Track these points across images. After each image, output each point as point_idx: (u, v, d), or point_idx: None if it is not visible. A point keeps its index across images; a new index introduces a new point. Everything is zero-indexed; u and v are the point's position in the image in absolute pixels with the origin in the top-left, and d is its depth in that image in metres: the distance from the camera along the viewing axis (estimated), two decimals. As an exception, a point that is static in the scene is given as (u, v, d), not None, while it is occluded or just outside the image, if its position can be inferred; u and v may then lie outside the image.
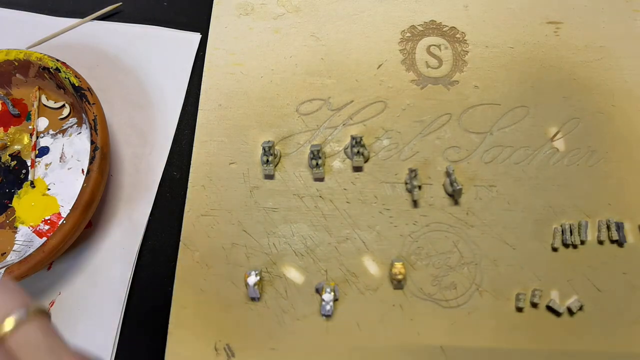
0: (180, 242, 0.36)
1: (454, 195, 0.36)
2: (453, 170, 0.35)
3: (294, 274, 0.35)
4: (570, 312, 0.34)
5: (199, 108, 0.39)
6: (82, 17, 0.47)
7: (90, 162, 0.36)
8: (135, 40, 0.46)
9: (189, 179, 0.37)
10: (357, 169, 0.37)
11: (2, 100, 0.43)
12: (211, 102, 0.39)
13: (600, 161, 0.37)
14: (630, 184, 0.36)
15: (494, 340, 0.33)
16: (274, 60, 0.40)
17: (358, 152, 0.36)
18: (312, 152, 0.36)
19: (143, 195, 0.41)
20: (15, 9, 0.48)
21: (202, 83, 0.39)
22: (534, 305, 0.34)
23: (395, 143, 0.38)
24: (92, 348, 0.36)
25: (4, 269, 0.34)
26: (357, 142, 0.36)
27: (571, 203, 0.36)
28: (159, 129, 0.43)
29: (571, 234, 0.35)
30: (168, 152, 0.42)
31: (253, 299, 0.35)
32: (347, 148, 0.38)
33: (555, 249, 0.35)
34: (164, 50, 0.46)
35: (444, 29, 0.40)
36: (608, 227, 0.35)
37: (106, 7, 0.47)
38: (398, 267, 0.34)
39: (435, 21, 0.40)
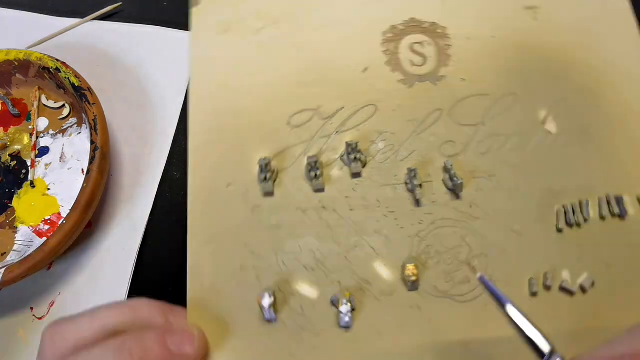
0: (188, 272, 0.35)
1: (456, 190, 0.36)
2: (452, 165, 0.35)
3: (307, 290, 0.35)
4: (583, 290, 0.34)
5: (188, 132, 0.38)
6: (82, 17, 0.48)
7: (90, 162, 0.37)
8: (136, 40, 0.47)
9: (188, 206, 0.37)
10: (356, 175, 0.37)
11: (2, 100, 0.43)
12: (201, 125, 0.38)
13: (592, 138, 0.37)
14: (623, 157, 0.37)
15: (512, 328, 0.33)
16: (259, 75, 0.39)
17: (355, 158, 0.36)
18: (309, 164, 0.36)
19: (143, 195, 0.41)
20: (15, 9, 0.48)
21: (188, 107, 0.39)
22: (547, 288, 0.34)
23: (390, 145, 0.38)
24: None
25: (4, 269, 0.34)
26: (353, 148, 0.36)
27: (570, 183, 0.36)
28: (159, 129, 0.43)
29: (574, 214, 0.36)
30: (168, 152, 0.43)
31: (269, 321, 0.34)
32: (343, 155, 0.37)
33: (560, 230, 0.36)
34: (164, 50, 0.46)
35: (424, 26, 0.40)
36: (608, 202, 0.36)
37: (106, 7, 0.48)
38: (410, 268, 0.34)
39: (415, 19, 0.40)
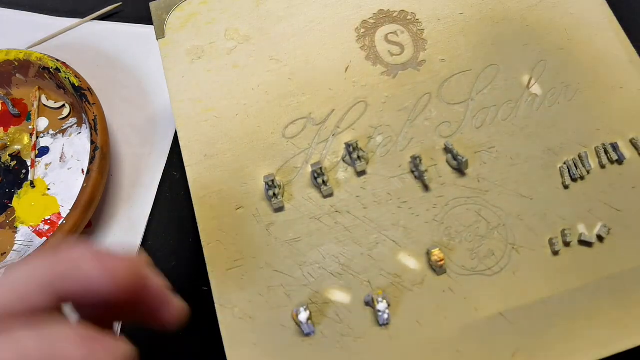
0: (215, 304, 0.35)
1: (461, 168, 0.36)
2: (452, 145, 0.36)
3: (339, 296, 0.34)
4: (600, 239, 0.35)
5: (185, 165, 0.37)
6: (82, 17, 0.48)
7: (90, 162, 0.37)
8: (136, 40, 0.47)
9: (201, 238, 0.36)
10: (362, 173, 0.37)
11: (2, 100, 0.43)
12: (196, 156, 0.38)
13: (576, 93, 0.38)
14: (608, 105, 0.38)
15: (544, 290, 0.34)
16: (242, 95, 0.39)
17: (358, 157, 0.36)
18: (314, 172, 0.36)
19: (143, 195, 0.41)
20: (15, 9, 0.49)
21: (179, 139, 0.38)
22: (567, 244, 0.35)
23: (388, 137, 0.38)
24: None
25: (4, 269, 0.34)
26: (353, 148, 0.36)
27: (565, 140, 0.37)
28: (159, 128, 0.44)
29: (576, 168, 0.37)
30: (168, 152, 0.43)
31: (309, 335, 0.34)
32: (345, 157, 0.37)
33: (566, 187, 0.37)
34: None
35: (394, 15, 0.41)
36: (605, 151, 0.37)
37: (106, 7, 0.48)
38: (436, 253, 0.34)
39: (383, 10, 0.41)
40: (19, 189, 0.41)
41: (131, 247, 0.39)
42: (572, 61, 0.39)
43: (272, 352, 0.33)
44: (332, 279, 0.34)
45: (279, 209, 0.36)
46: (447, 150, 0.36)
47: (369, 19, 0.41)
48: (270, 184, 0.35)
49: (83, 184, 0.36)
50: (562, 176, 0.36)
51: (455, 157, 0.35)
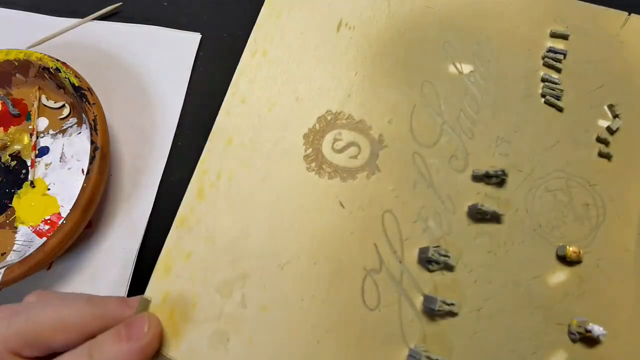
0: None
1: (503, 179, 0.32)
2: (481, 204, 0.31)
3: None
4: None
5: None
6: (82, 17, 0.47)
7: (90, 162, 0.36)
8: (136, 40, 0.46)
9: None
10: (449, 268, 0.30)
11: (2, 100, 0.42)
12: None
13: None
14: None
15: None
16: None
17: (441, 254, 0.29)
18: (436, 309, 0.28)
19: (143, 195, 0.41)
20: (15, 9, 0.48)
21: None
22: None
23: (434, 213, 0.31)
24: None
25: (4, 269, 0.34)
26: (432, 255, 0.29)
27: None
28: (159, 129, 0.43)
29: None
30: (168, 152, 0.42)
31: None
32: (432, 267, 0.30)
33: None
34: (164, 50, 0.45)
35: (316, 127, 0.34)
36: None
37: (106, 7, 0.47)
38: (571, 250, 0.29)
39: (310, 129, 0.34)
40: (19, 189, 0.40)
41: (131, 247, 0.39)
42: (464, 36, 0.35)
43: None
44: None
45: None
46: (474, 207, 0.31)
47: (306, 150, 0.33)
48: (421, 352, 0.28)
49: (83, 184, 0.35)
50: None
51: (490, 175, 0.31)
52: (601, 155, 0.33)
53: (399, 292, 0.29)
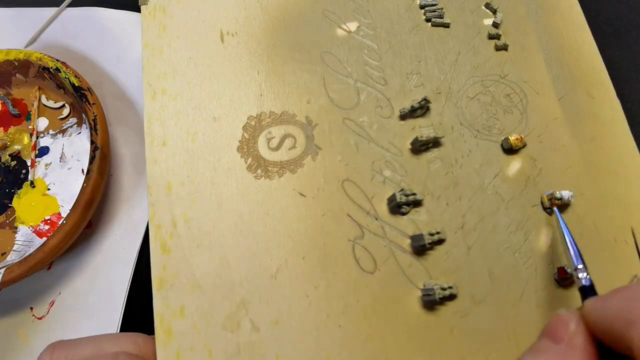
0: None
1: (428, 107, 0.32)
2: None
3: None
4: None
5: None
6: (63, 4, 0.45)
7: (90, 162, 0.36)
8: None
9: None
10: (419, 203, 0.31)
11: (2, 100, 0.43)
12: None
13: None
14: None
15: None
16: None
17: (406, 200, 0.30)
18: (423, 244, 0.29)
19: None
20: (15, 6, 0.47)
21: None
22: None
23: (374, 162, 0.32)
24: None
25: (4, 269, 0.34)
26: (399, 200, 0.30)
27: None
28: None
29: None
30: None
31: None
32: (404, 211, 0.30)
33: None
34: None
35: (244, 136, 0.33)
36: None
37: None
38: (513, 138, 0.31)
39: (243, 140, 0.33)
40: (19, 189, 0.40)
41: (131, 247, 0.39)
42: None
43: None
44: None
45: None
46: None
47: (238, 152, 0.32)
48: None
49: (83, 184, 0.36)
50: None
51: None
52: (498, 48, 0.35)
53: (388, 246, 0.30)
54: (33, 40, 0.46)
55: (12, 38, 0.46)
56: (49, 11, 0.47)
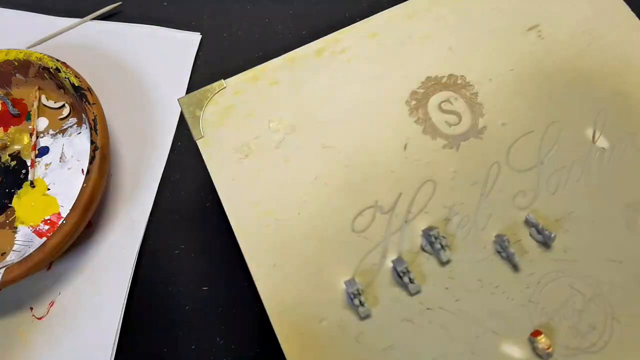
0: None
1: (548, 243, 0.34)
2: (534, 218, 0.33)
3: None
4: None
5: (253, 279, 0.33)
6: (82, 17, 0.47)
7: (90, 162, 0.37)
8: (136, 40, 0.47)
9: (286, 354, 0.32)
10: (447, 262, 0.33)
11: (2, 100, 0.43)
12: (264, 267, 0.34)
13: (644, 139, 0.36)
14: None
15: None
16: (301, 191, 0.35)
17: (441, 245, 0.33)
18: (396, 271, 0.33)
19: (143, 195, 0.41)
20: (15, 9, 0.48)
21: (242, 251, 0.34)
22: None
23: (466, 216, 0.35)
24: (92, 348, 0.36)
25: (3, 269, 0.34)
26: (435, 237, 0.33)
27: None
28: (159, 129, 0.43)
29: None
30: (168, 152, 0.43)
31: None
32: (425, 246, 0.34)
33: None
34: (164, 50, 0.46)
35: (443, 81, 0.39)
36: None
37: (106, 6, 0.48)
38: (543, 341, 0.30)
39: (430, 77, 0.39)
40: (18, 189, 0.41)
41: (131, 247, 0.39)
42: (632, 105, 0.38)
43: None
44: (438, 386, 0.29)
45: (367, 316, 0.31)
46: (530, 224, 0.33)
47: (418, 88, 0.38)
48: (356, 294, 0.31)
49: (83, 184, 0.36)
50: (646, 226, 0.34)
51: (540, 231, 0.33)
52: None
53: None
54: (40, 42, 0.46)
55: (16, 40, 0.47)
56: (62, 21, 0.48)
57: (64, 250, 0.37)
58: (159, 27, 0.47)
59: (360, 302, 0.32)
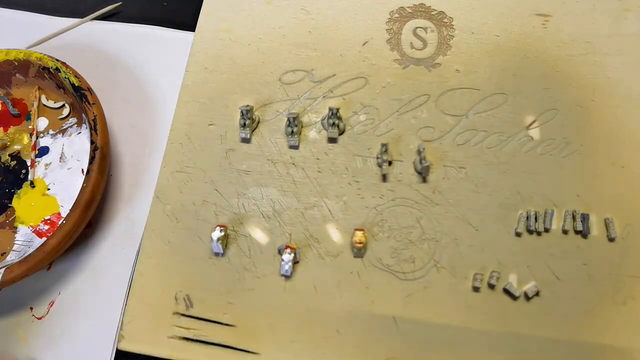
0: (153, 195, 0.37)
1: (422, 173, 0.36)
2: (424, 149, 0.36)
3: (259, 235, 0.36)
4: (526, 296, 0.34)
5: (185, 70, 0.40)
6: (82, 17, 0.47)
7: (90, 162, 0.36)
8: (135, 40, 0.46)
9: (168, 135, 0.39)
10: (332, 140, 0.38)
11: (2, 100, 0.42)
12: (197, 65, 0.40)
13: (573, 153, 0.37)
14: (600, 178, 0.36)
15: (447, 316, 0.34)
16: (262, 30, 0.41)
17: (334, 123, 0.37)
18: (288, 119, 0.37)
19: (143, 195, 0.41)
20: (15, 9, 0.48)
21: (191, 45, 0.41)
22: (491, 286, 0.34)
23: (371, 119, 0.39)
24: (92, 348, 0.36)
25: (3, 268, 0.34)
26: (333, 113, 0.37)
27: (540, 191, 0.36)
28: (159, 129, 0.43)
29: (536, 221, 0.36)
30: None
31: (216, 254, 0.35)
32: (324, 119, 0.38)
33: (518, 234, 0.35)
34: (163, 50, 0.46)
35: (432, 13, 0.41)
36: (574, 218, 0.36)
37: (105, 7, 0.48)
38: (359, 235, 0.34)
39: (424, 4, 0.41)
40: (18, 189, 0.40)
41: (131, 247, 0.39)
42: (585, 122, 0.38)
43: (179, 256, 0.35)
44: (260, 219, 0.35)
45: (245, 140, 0.38)
46: (418, 151, 0.36)
47: (408, 7, 0.41)
48: (245, 114, 0.37)
49: (83, 183, 0.36)
50: (518, 222, 0.35)
51: (420, 160, 0.35)
52: None
53: None
54: (40, 42, 0.46)
55: (16, 40, 0.46)
56: (61, 21, 0.48)
57: (64, 250, 0.37)
58: (159, 27, 0.47)
59: (245, 124, 0.37)
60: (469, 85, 0.40)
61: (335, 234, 0.36)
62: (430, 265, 0.35)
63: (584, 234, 0.35)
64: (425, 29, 0.41)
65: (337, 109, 0.37)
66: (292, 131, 0.37)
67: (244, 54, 0.41)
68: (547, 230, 0.35)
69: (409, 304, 0.34)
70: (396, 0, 0.42)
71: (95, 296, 0.38)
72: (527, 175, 0.37)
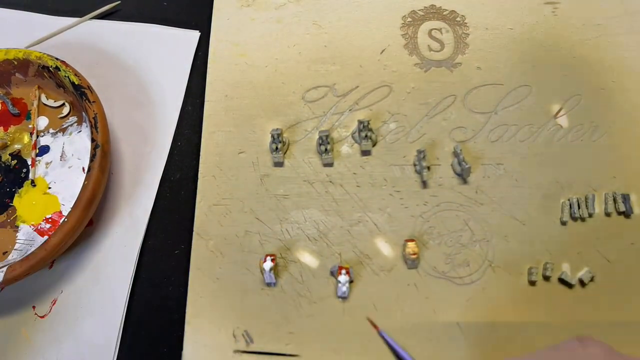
0: (194, 232, 0.36)
1: (463, 175, 0.36)
2: (461, 150, 0.36)
3: (308, 259, 0.35)
4: (582, 283, 0.34)
5: (205, 100, 0.39)
6: (81, 16, 0.47)
7: (91, 160, 0.36)
8: (135, 38, 0.46)
9: (199, 169, 0.38)
10: (366, 152, 0.38)
11: (2, 100, 0.43)
12: (217, 94, 0.40)
13: (603, 136, 0.37)
14: (633, 157, 0.37)
15: (509, 314, 0.34)
16: (277, 50, 0.40)
17: (366, 136, 0.37)
18: (320, 137, 0.37)
19: (144, 193, 0.41)
20: (14, 8, 0.48)
21: (207, 75, 0.40)
22: (546, 278, 0.35)
23: (402, 126, 0.39)
24: (95, 346, 0.36)
25: (6, 267, 0.34)
26: (364, 126, 0.37)
27: (577, 177, 0.37)
28: (159, 127, 0.43)
29: (579, 208, 0.36)
30: (168, 150, 0.42)
31: (269, 285, 0.35)
32: (354, 133, 0.38)
33: (564, 223, 0.36)
34: (163, 48, 0.46)
35: (444, 13, 0.41)
36: (614, 200, 0.36)
37: (105, 5, 0.48)
38: (411, 246, 0.34)
39: (435, 5, 0.41)
40: (19, 188, 0.40)
41: (133, 245, 0.39)
42: (610, 103, 0.38)
43: (231, 291, 0.34)
44: (307, 242, 0.35)
45: (278, 164, 0.37)
46: (455, 153, 0.36)
47: (419, 10, 0.41)
48: (276, 137, 0.36)
49: (84, 182, 0.36)
50: (562, 211, 0.35)
51: (460, 162, 0.35)
52: None
53: None
54: (39, 41, 0.46)
55: (16, 39, 0.46)
56: (61, 20, 0.47)
57: (66, 248, 0.37)
58: (158, 25, 0.46)
59: (277, 148, 0.36)
60: (492, 81, 0.40)
61: (385, 248, 0.35)
62: (485, 266, 0.35)
63: (627, 214, 0.36)
64: (440, 29, 0.41)
65: (368, 121, 0.37)
66: (326, 149, 0.36)
67: (262, 76, 0.40)
68: (590, 215, 0.36)
69: (470, 307, 0.34)
70: (406, 5, 0.42)
71: (98, 294, 0.38)
72: (562, 163, 0.37)
